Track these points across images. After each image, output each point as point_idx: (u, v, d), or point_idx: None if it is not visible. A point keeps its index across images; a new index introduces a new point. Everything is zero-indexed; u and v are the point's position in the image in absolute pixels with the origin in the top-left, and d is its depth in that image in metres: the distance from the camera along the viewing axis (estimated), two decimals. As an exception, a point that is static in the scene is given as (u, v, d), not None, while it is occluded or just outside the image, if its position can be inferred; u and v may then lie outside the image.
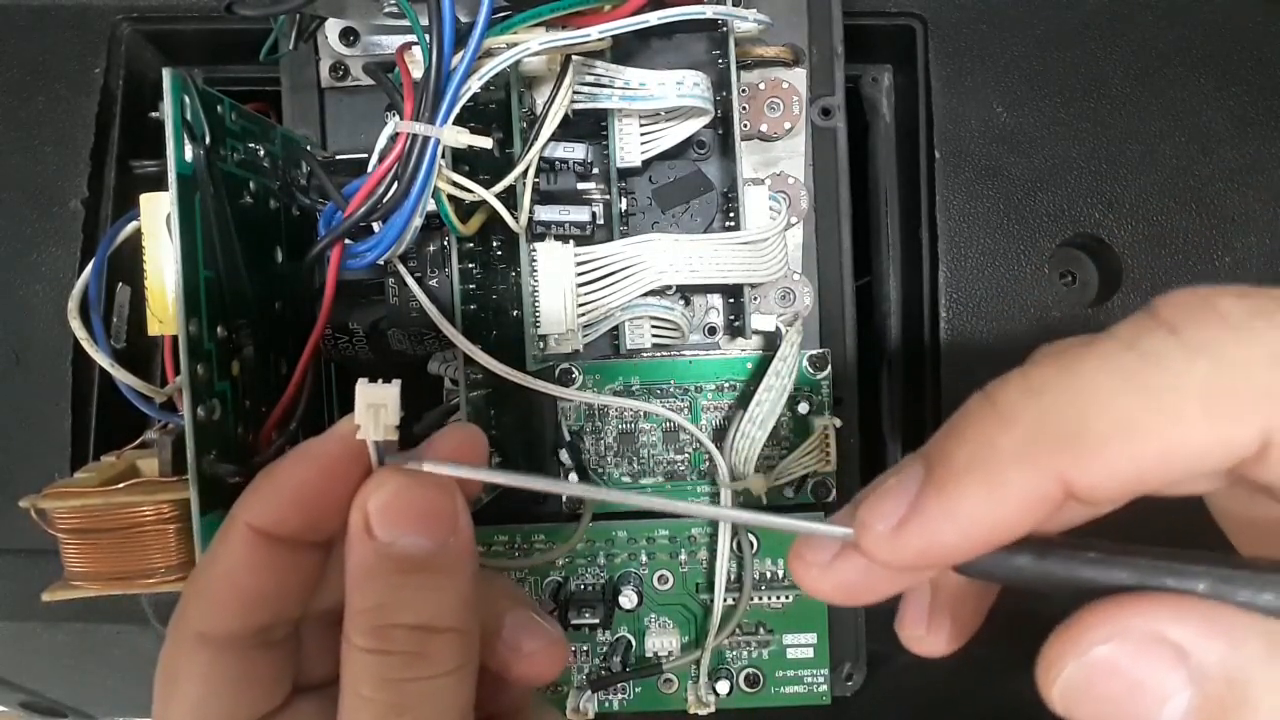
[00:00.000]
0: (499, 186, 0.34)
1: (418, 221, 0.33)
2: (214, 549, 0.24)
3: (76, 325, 0.37)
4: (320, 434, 0.24)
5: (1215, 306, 0.17)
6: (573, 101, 0.36)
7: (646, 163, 0.40)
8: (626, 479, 0.42)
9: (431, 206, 0.33)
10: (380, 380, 0.22)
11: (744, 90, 0.41)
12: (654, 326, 0.40)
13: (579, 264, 0.37)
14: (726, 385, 0.42)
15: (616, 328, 0.40)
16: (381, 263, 0.34)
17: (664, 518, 0.42)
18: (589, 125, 0.39)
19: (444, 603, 0.22)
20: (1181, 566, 0.18)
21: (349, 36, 0.40)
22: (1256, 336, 0.17)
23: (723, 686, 0.42)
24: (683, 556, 0.42)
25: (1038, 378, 0.18)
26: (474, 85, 0.32)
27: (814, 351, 0.42)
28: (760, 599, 0.42)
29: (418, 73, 0.32)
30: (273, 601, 0.24)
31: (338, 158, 0.40)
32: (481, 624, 0.26)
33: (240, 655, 0.24)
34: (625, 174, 0.40)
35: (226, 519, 0.24)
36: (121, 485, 0.33)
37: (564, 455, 0.41)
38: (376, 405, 0.22)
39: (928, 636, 0.25)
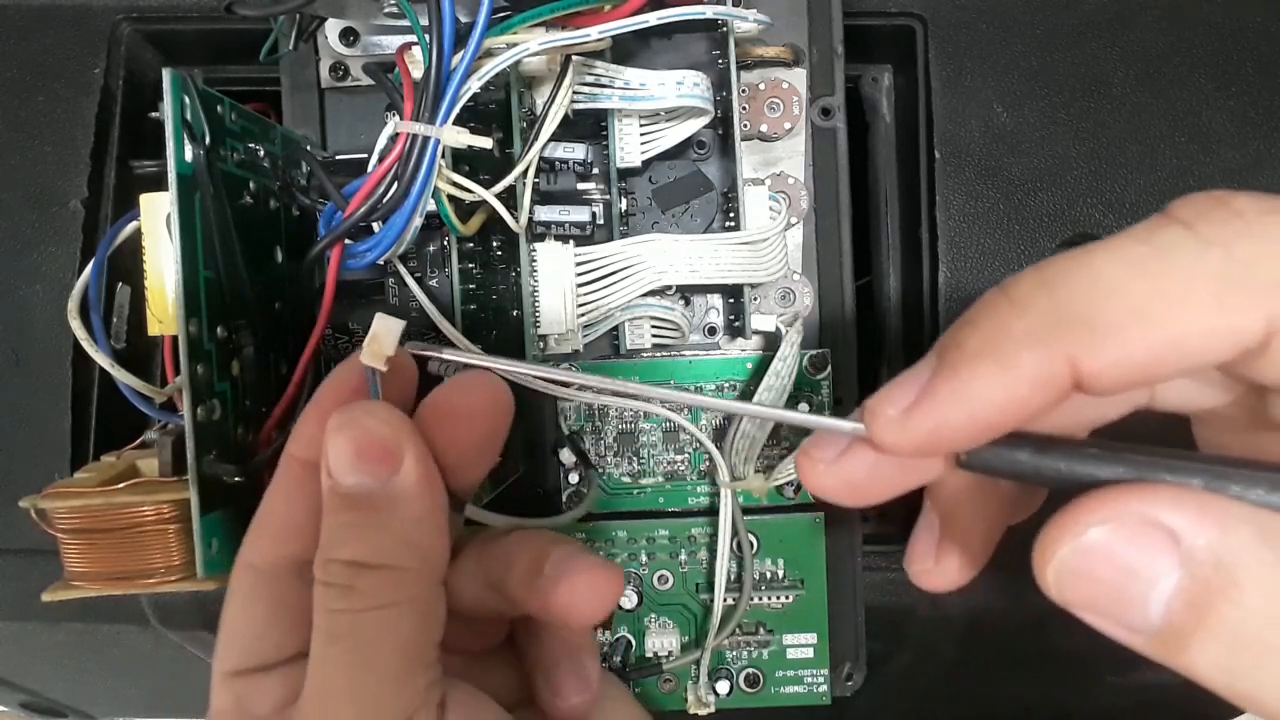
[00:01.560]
0: (499, 186, 0.34)
1: (418, 221, 0.33)
2: (270, 485, 0.26)
3: (76, 325, 0.37)
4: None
5: (1229, 204, 0.18)
6: (573, 101, 0.36)
7: (646, 163, 0.40)
8: (626, 479, 0.42)
9: (431, 206, 0.33)
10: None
11: (744, 90, 0.41)
12: (654, 326, 0.40)
13: (579, 264, 0.37)
14: (726, 385, 0.42)
15: (616, 328, 0.40)
16: (381, 263, 0.34)
17: (664, 517, 0.42)
18: (589, 125, 0.39)
19: (381, 541, 0.23)
20: (1179, 464, 0.18)
21: (349, 36, 0.40)
22: (1268, 231, 0.17)
23: (723, 686, 0.42)
24: (683, 556, 0.42)
25: (1051, 270, 0.19)
26: (474, 85, 0.32)
27: (814, 351, 0.42)
28: (760, 599, 0.42)
29: (418, 73, 0.32)
30: (302, 531, 0.25)
31: (338, 158, 0.40)
32: (524, 568, 0.26)
33: (276, 584, 0.25)
34: (625, 174, 0.40)
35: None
36: (121, 485, 0.33)
37: (564, 454, 0.41)
38: (376, 334, 0.24)
39: (936, 568, 0.25)
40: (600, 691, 0.28)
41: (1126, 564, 0.17)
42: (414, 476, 0.23)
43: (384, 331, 0.24)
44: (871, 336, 0.48)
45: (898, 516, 0.46)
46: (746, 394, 0.41)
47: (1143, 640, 0.18)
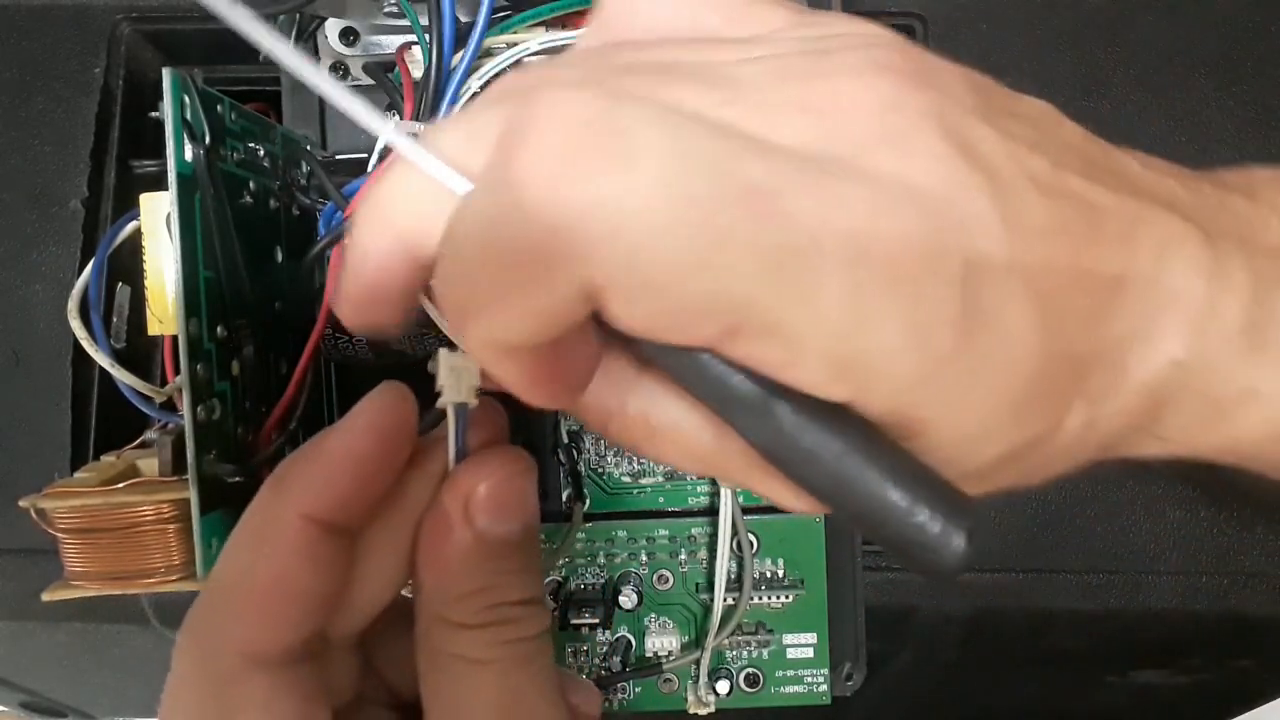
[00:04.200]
0: (499, 186, 0.34)
1: (418, 221, 0.33)
2: (256, 554, 0.21)
3: (76, 325, 0.37)
4: (354, 409, 0.22)
5: None
6: (573, 101, 0.36)
7: (646, 163, 0.39)
8: (626, 479, 0.42)
9: (431, 206, 0.33)
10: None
11: (744, 90, 0.41)
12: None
13: (579, 264, 0.37)
14: (726, 385, 0.42)
15: (616, 328, 0.40)
16: (381, 263, 0.34)
17: (664, 517, 0.42)
18: (589, 125, 0.39)
19: (538, 577, 0.24)
20: None
21: (349, 36, 0.40)
22: None
23: (723, 686, 0.42)
24: (683, 556, 0.42)
25: None
26: (474, 85, 0.32)
27: (814, 351, 0.42)
28: (760, 599, 0.42)
29: (418, 73, 0.32)
30: (326, 602, 0.22)
31: (338, 158, 0.40)
32: None
33: (300, 672, 0.21)
34: (625, 174, 0.40)
35: (265, 516, 0.21)
36: (121, 485, 0.33)
37: (563, 455, 0.41)
38: (459, 368, 0.22)
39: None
40: None
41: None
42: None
43: (458, 365, 0.22)
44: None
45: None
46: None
47: None
